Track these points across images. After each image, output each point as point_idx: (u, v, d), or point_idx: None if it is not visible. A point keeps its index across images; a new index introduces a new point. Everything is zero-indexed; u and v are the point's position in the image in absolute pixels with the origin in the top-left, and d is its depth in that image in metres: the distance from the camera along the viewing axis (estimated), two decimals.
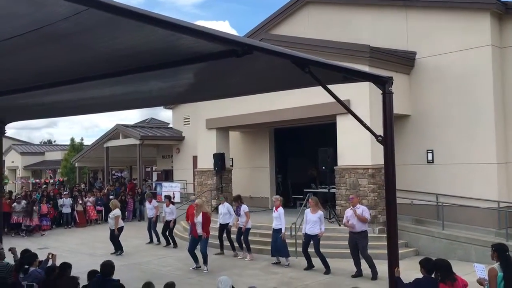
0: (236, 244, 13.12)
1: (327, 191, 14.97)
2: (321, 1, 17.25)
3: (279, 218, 11.84)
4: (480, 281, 5.97)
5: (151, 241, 15.62)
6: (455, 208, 13.06)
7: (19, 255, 8.13)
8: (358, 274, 10.54)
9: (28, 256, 7.54)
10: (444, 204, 13.07)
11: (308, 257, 11.33)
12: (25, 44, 4.24)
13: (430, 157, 14.23)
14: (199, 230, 11.55)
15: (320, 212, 11.15)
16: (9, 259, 8.33)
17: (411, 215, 13.71)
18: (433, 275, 5.94)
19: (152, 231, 15.59)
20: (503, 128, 13.28)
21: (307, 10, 17.61)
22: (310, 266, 11.34)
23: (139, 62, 4.99)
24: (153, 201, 16.19)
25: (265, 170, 19.16)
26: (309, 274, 10.89)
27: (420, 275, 6.02)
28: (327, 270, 10.93)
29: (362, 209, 10.71)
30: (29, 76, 5.81)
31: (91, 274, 6.93)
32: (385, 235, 6.06)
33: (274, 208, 12.16)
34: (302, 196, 15.26)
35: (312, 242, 11.12)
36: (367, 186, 13.38)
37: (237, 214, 12.89)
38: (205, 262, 11.48)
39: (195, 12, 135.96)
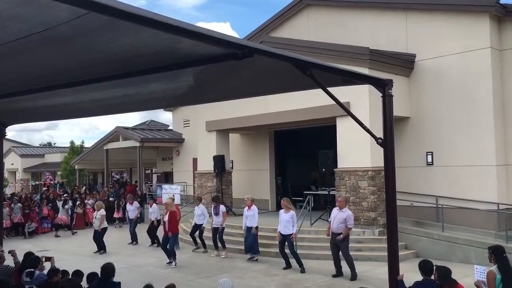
0: (208, 243, 13.88)
1: (327, 193, 14.97)
2: (321, 4, 17.29)
3: (252, 217, 12.35)
4: (477, 284, 5.96)
5: (132, 241, 16.14)
6: (455, 210, 13.07)
7: (19, 258, 8.13)
8: (338, 274, 10.70)
9: (32, 259, 7.54)
10: (443, 206, 13.09)
11: (285, 257, 11.61)
12: (27, 47, 4.26)
13: (429, 159, 14.25)
14: (167, 228, 12.43)
15: (292, 212, 11.53)
16: (9, 261, 8.33)
17: (411, 217, 13.74)
18: (432, 277, 5.94)
19: (132, 231, 16.18)
20: (503, 130, 13.30)
21: (307, 13, 17.66)
22: (288, 266, 11.57)
23: (140, 64, 5.01)
24: (135, 202, 16.91)
25: (265, 172, 19.18)
26: (309, 276, 10.89)
27: (420, 278, 6.02)
28: (302, 269, 11.24)
29: (347, 215, 10.68)
30: (30, 79, 5.82)
31: (91, 276, 6.94)
32: (385, 237, 6.07)
33: (246, 207, 12.64)
34: (302, 198, 15.26)
35: (286, 241, 11.45)
36: (367, 188, 13.39)
37: (216, 213, 13.43)
38: (173, 257, 12.31)
39: (195, 14, 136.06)
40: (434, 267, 5.95)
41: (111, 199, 21.74)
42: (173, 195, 20.04)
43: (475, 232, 12.57)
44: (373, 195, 13.30)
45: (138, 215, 16.75)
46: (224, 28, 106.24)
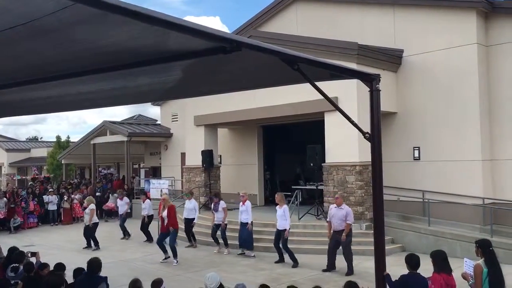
0: (205, 239, 13.78)
1: (315, 188, 15.03)
2: None
3: (246, 212, 12.33)
4: (464, 276, 6.03)
5: (124, 236, 16.08)
6: (441, 204, 13.21)
7: (4, 253, 8.05)
8: (329, 268, 10.74)
9: (17, 254, 7.48)
10: (430, 200, 13.22)
11: (279, 251, 11.63)
12: (12, 39, 4.19)
13: (416, 154, 14.36)
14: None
15: (285, 206, 11.59)
16: None
17: (398, 211, 13.86)
18: (418, 271, 6.00)
19: (121, 225, 16.13)
20: (488, 125, 13.45)
21: (296, 7, 17.64)
22: (281, 260, 11.62)
23: (127, 58, 4.95)
24: (124, 198, 16.82)
25: (254, 167, 19.18)
26: (297, 270, 10.94)
27: (407, 271, 6.08)
28: (295, 264, 11.26)
29: (346, 211, 10.72)
30: (15, 72, 5.73)
31: (77, 271, 6.89)
32: (372, 231, 6.11)
33: (241, 203, 12.57)
34: (290, 193, 15.29)
35: (281, 236, 11.49)
36: (354, 183, 13.46)
37: (215, 210, 13.26)
38: (175, 255, 11.96)
39: (183, 8, 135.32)
40: (430, 254, 6.03)
41: (97, 194, 21.59)
42: (161, 190, 20.01)
43: (460, 226, 12.72)
44: (360, 189, 13.38)
45: (128, 210, 16.71)
46: (214, 22, 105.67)
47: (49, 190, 21.36)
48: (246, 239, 12.36)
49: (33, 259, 7.71)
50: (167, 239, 12.33)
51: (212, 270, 10.09)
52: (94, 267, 6.53)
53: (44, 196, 20.45)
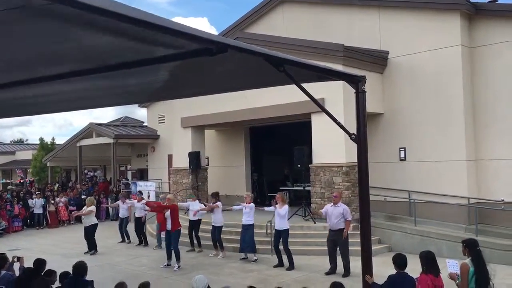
0: (205, 243, 13.28)
1: (302, 189, 15.06)
2: (295, 0, 17.34)
3: (249, 214, 12.01)
4: (451, 276, 6.08)
5: (123, 240, 15.60)
6: (427, 204, 13.33)
7: None
8: (332, 271, 10.54)
9: None
10: (416, 200, 13.33)
11: (278, 254, 11.44)
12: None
13: (402, 155, 14.48)
14: (169, 224, 11.73)
15: (286, 206, 11.35)
16: None
17: (385, 211, 13.95)
18: (405, 270, 6.04)
19: (123, 230, 15.58)
20: (473, 126, 13.61)
21: (282, 9, 17.69)
22: (280, 264, 11.40)
23: (112, 59, 4.92)
24: (127, 200, 16.09)
25: (241, 168, 19.17)
26: (285, 272, 10.94)
27: (394, 271, 6.12)
28: (291, 267, 11.06)
29: (343, 209, 10.61)
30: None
31: (63, 276, 6.82)
32: (359, 231, 6.14)
33: (245, 204, 12.22)
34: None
35: (281, 237, 11.23)
36: (341, 183, 13.52)
37: (213, 211, 12.85)
38: (177, 259, 11.55)
39: (170, 9, 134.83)
40: (419, 255, 6.06)
41: (83, 196, 21.39)
42: (148, 192, 19.87)
43: (446, 226, 12.85)
44: (347, 190, 13.44)
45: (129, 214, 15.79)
46: (202, 24, 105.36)
47: (36, 193, 21.10)
48: (249, 242, 11.95)
49: (17, 264, 7.60)
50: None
51: (200, 272, 10.09)
52: (80, 270, 6.48)
53: (29, 200, 20.18)
